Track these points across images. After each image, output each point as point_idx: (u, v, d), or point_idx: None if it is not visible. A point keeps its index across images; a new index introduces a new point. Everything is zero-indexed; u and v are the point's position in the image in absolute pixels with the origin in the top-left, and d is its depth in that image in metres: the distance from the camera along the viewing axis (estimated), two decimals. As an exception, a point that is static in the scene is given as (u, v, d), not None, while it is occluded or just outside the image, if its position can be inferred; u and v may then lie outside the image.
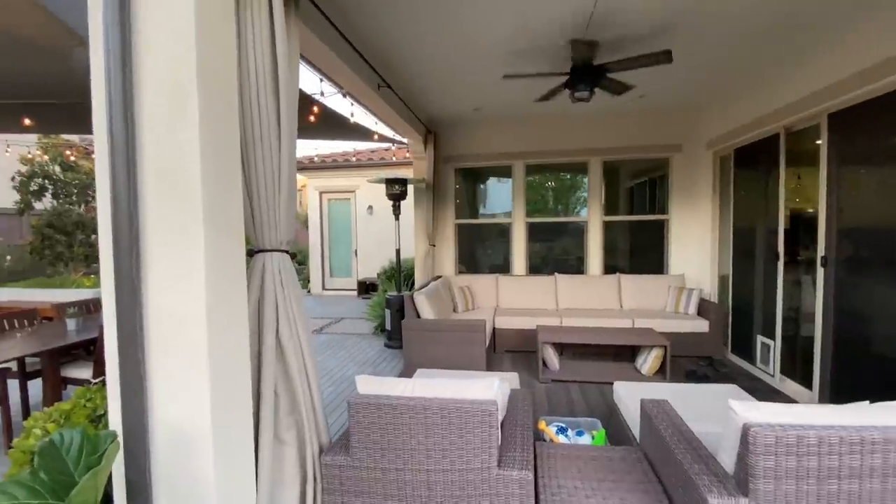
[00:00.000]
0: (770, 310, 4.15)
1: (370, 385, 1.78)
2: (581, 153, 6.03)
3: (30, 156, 8.14)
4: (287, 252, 1.92)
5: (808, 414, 1.42)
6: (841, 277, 3.30)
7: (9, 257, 8.12)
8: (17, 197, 8.08)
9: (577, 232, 6.28)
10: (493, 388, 1.73)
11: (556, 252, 6.51)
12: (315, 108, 4.25)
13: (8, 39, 2.94)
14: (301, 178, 11.16)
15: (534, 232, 6.37)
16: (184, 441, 1.47)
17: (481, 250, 6.80)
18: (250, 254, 1.90)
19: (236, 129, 1.65)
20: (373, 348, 5.57)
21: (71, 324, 3.63)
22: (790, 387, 3.86)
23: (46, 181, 8.20)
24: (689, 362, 4.62)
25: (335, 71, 3.29)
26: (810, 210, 3.59)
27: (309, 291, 10.40)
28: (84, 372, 3.41)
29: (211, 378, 1.46)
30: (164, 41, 1.40)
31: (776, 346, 4.05)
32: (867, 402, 1.57)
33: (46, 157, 8.22)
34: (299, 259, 13.30)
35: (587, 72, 3.42)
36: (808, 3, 2.85)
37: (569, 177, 6.63)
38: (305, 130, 5.29)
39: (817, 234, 3.47)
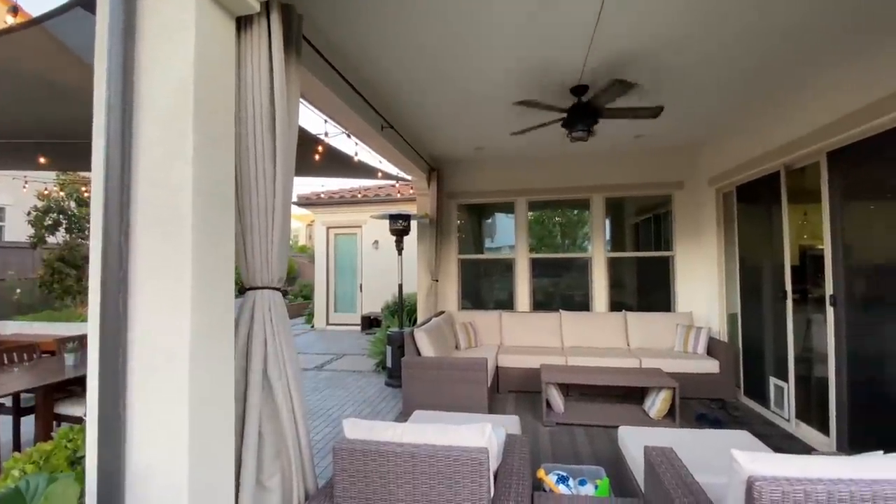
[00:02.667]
0: (782, 350, 4.01)
1: (358, 429, 1.72)
2: (583, 190, 6.08)
3: (46, 191, 8.39)
4: (278, 289, 1.91)
5: (816, 466, 1.33)
6: (852, 317, 3.19)
7: (18, 290, 8.21)
8: (32, 231, 8.27)
9: (582, 268, 6.23)
10: (484, 435, 1.65)
11: (561, 288, 6.44)
12: (320, 147, 4.37)
13: (41, 83, 3.09)
14: (309, 214, 11.36)
15: (538, 268, 6.33)
16: (158, 486, 1.41)
17: (485, 286, 6.75)
18: (242, 291, 1.89)
19: (231, 168, 1.69)
20: (373, 387, 5.44)
21: (69, 358, 3.61)
22: (806, 432, 3.66)
23: (61, 216, 8.41)
24: (700, 405, 4.43)
25: (338, 112, 3.40)
26: (819, 247, 3.53)
27: (312, 326, 10.33)
28: (79, 409, 3.35)
29: (190, 418, 1.42)
30: (164, 79, 1.46)
31: (790, 388, 3.88)
32: (881, 451, 1.47)
33: (63, 193, 8.46)
34: (305, 293, 13.34)
35: (585, 113, 3.49)
36: (800, 44, 2.92)
37: (575, 213, 6.65)
38: (311, 168, 5.42)
39: (825, 272, 3.40)
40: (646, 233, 6.46)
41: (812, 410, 3.65)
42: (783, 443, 3.60)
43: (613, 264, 6.09)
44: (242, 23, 1.77)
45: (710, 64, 3.20)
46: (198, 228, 1.47)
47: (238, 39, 1.76)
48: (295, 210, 11.13)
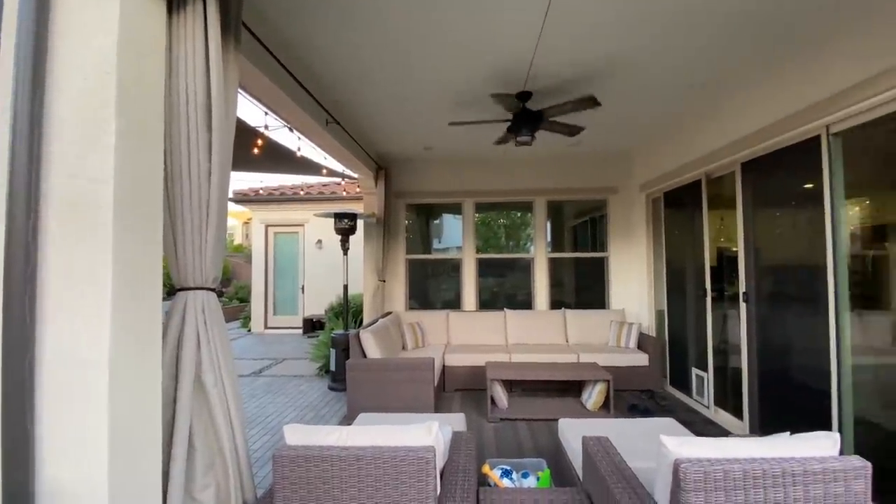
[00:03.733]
0: (702, 343, 4.39)
1: (300, 435, 1.65)
2: (527, 193, 6.28)
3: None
4: (213, 290, 1.79)
5: (733, 448, 1.47)
6: (761, 312, 3.57)
7: None
8: None
9: (525, 268, 6.44)
10: (431, 433, 1.65)
11: (505, 288, 6.62)
12: (259, 141, 4.15)
13: None
14: (245, 211, 10.77)
15: (484, 268, 6.46)
16: (72, 509, 1.27)
17: (433, 286, 6.78)
18: (171, 292, 1.75)
19: (160, 159, 1.56)
20: (316, 391, 5.26)
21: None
22: (723, 417, 4.04)
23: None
24: (632, 396, 4.73)
25: (280, 105, 3.26)
26: (733, 249, 3.90)
27: (249, 330, 9.80)
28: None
29: (111, 432, 1.29)
30: (83, 60, 1.32)
31: (709, 378, 4.26)
32: (788, 433, 1.65)
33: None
34: (241, 296, 12.63)
35: (527, 118, 3.61)
36: (718, 64, 3.22)
37: (518, 215, 6.86)
38: (249, 163, 5.15)
39: (738, 272, 3.76)
40: (583, 235, 6.82)
41: (728, 397, 4.03)
42: (704, 428, 3.94)
43: (554, 264, 6.36)
44: (175, 3, 1.64)
45: (642, 78, 3.44)
46: (120, 224, 1.34)
47: (170, 21, 1.63)
48: (231, 207, 10.51)
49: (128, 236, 1.37)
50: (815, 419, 2.89)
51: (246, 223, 19.85)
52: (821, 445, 1.47)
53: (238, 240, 22.49)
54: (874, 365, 2.73)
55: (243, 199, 9.74)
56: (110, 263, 1.30)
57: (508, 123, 3.72)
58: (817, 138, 2.91)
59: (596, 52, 2.99)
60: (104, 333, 1.29)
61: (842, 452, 1.47)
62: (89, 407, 1.29)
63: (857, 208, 2.91)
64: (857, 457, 1.40)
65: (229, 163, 1.89)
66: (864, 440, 2.69)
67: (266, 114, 3.40)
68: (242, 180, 9.43)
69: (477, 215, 6.49)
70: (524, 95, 3.63)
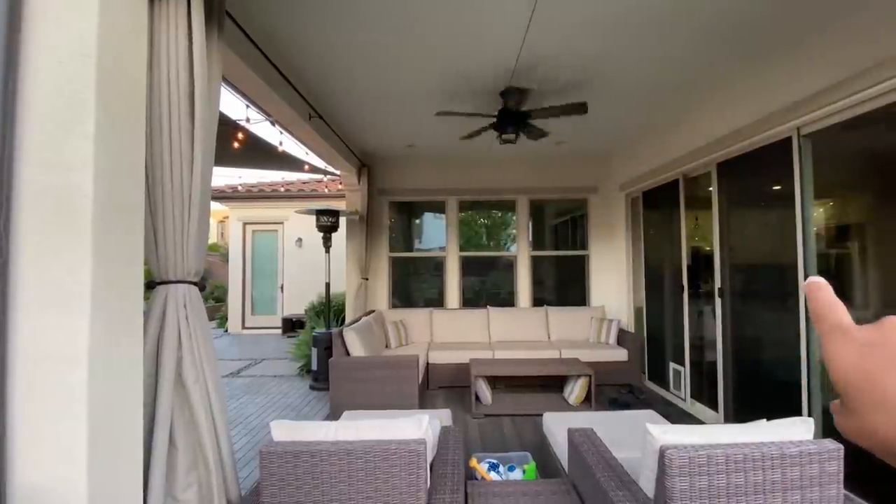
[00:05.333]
0: (679, 338, 4.52)
1: (287, 431, 1.62)
2: (509, 192, 6.34)
3: None
4: (195, 284, 1.74)
5: (715, 434, 1.52)
6: (735, 308, 3.69)
7: None
8: None
9: (508, 266, 6.49)
10: (422, 427, 1.65)
11: (488, 286, 6.66)
12: (240, 135, 4.07)
13: None
14: (223, 209, 10.50)
15: (467, 266, 6.48)
16: (48, 511, 1.22)
17: (416, 284, 6.76)
18: (151, 285, 1.70)
19: (142, 149, 1.51)
20: (297, 391, 5.18)
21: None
22: (699, 409, 4.16)
23: None
24: (612, 390, 4.83)
25: (263, 98, 3.19)
26: (708, 248, 4.03)
27: (226, 330, 9.57)
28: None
29: (90, 430, 1.25)
30: (61, 43, 1.26)
31: (686, 371, 4.38)
32: (765, 420, 1.72)
33: None
34: (217, 295, 12.32)
35: (514, 116, 3.64)
36: (694, 66, 3.31)
37: (500, 214, 6.91)
38: (229, 158, 5.04)
39: (714, 269, 3.89)
40: (564, 233, 6.92)
41: (704, 390, 4.16)
42: (681, 419, 4.05)
43: (536, 263, 6.43)
44: (156, -11, 1.59)
45: (622, 80, 3.51)
46: (100, 215, 1.29)
47: (152, 6, 1.58)
48: (207, 204, 10.21)
49: (107, 227, 1.32)
50: (787, 409, 3.00)
51: (222, 221, 19.29)
52: (797, 430, 1.54)
53: (213, 238, 21.89)
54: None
55: (221, 196, 9.48)
56: (89, 255, 1.26)
57: (493, 120, 3.73)
58: (789, 140, 3.03)
59: (579, 53, 3.04)
60: (83, 327, 1.24)
61: (814, 437, 1.54)
62: (67, 404, 1.24)
63: (824, 208, 3.04)
64: (831, 440, 1.47)
65: (212, 153, 1.85)
66: (831, 426, 2.81)
67: (248, 106, 3.33)
68: (220, 176, 9.16)
69: (461, 214, 6.51)
70: (509, 93, 3.65)
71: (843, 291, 2.88)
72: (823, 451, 1.44)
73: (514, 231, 6.51)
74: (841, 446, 1.45)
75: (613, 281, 6.11)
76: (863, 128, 2.61)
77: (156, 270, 1.69)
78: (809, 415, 2.88)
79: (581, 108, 3.22)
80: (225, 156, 4.79)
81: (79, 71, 1.27)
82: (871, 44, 2.38)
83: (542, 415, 3.10)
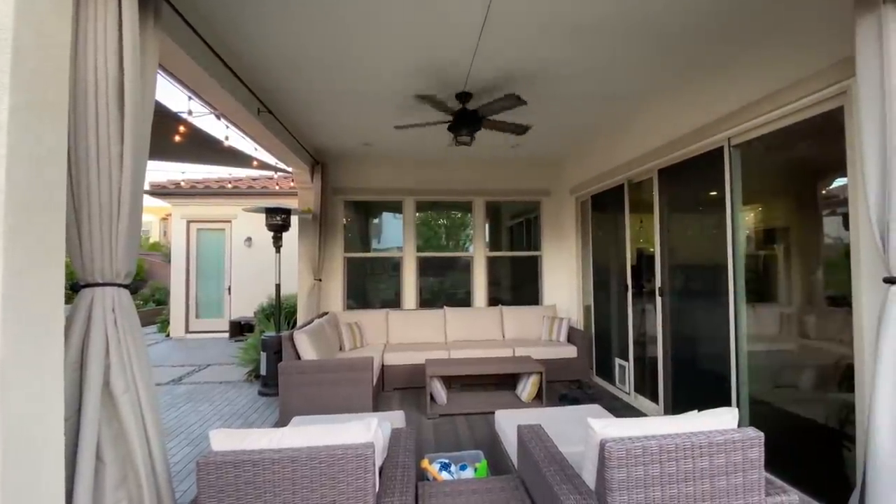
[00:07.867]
0: (623, 335, 4.74)
1: (228, 440, 1.55)
2: (466, 193, 6.40)
3: None
4: (126, 286, 1.63)
5: (650, 426, 1.60)
6: (674, 305, 3.93)
7: None
8: None
9: (465, 266, 6.55)
10: (370, 430, 1.63)
11: (446, 286, 6.69)
12: (182, 128, 3.84)
13: None
14: (165, 206, 9.88)
15: (426, 266, 6.48)
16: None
17: (372, 285, 6.67)
18: (75, 288, 1.57)
19: (63, 141, 1.39)
20: (244, 397, 4.97)
21: None
22: (642, 402, 4.39)
23: None
24: (562, 386, 4.99)
25: (206, 89, 3.03)
26: (651, 249, 4.25)
27: (168, 335, 9.01)
28: None
29: (3, 444, 1.14)
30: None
31: (630, 367, 4.61)
32: (696, 411, 1.84)
33: None
34: (158, 297, 11.58)
35: (467, 119, 3.68)
36: (636, 76, 3.49)
37: (459, 215, 6.96)
38: (170, 152, 4.74)
39: (655, 269, 4.11)
40: (519, 234, 7.08)
41: (646, 383, 4.39)
42: (625, 412, 4.25)
43: (492, 263, 6.54)
44: (81, -34, 1.47)
45: (570, 87, 3.64)
46: (13, 210, 1.18)
47: (74, -15, 1.46)
48: (147, 201, 9.56)
49: (22, 223, 1.21)
50: (719, 399, 3.23)
51: (164, 219, 18.15)
52: (723, 420, 1.66)
53: (155, 237, 20.53)
54: (765, 351, 3.11)
55: (162, 191, 8.91)
56: (0, 253, 1.14)
57: (449, 123, 3.75)
58: (721, 149, 3.27)
59: (529, 58, 3.12)
60: (-10, 333, 1.13)
61: (739, 425, 1.67)
62: (-29, 419, 1.12)
63: (753, 213, 3.30)
64: (753, 428, 1.59)
65: (146, 148, 1.73)
66: (757, 415, 3.06)
67: (190, 98, 3.14)
68: (162, 171, 8.64)
69: (418, 214, 6.49)
70: (464, 96, 3.69)
71: (769, 289, 3.14)
72: (746, 438, 1.56)
73: (471, 232, 6.59)
74: (762, 434, 1.58)
75: (564, 280, 6.33)
76: (785, 139, 2.86)
77: (80, 272, 1.57)
78: (738, 403, 3.12)
79: (516, 100, 3.30)
80: (165, 150, 4.52)
81: (-11, 52, 1.15)
82: (792, 63, 2.61)
83: (495, 412, 3.15)
